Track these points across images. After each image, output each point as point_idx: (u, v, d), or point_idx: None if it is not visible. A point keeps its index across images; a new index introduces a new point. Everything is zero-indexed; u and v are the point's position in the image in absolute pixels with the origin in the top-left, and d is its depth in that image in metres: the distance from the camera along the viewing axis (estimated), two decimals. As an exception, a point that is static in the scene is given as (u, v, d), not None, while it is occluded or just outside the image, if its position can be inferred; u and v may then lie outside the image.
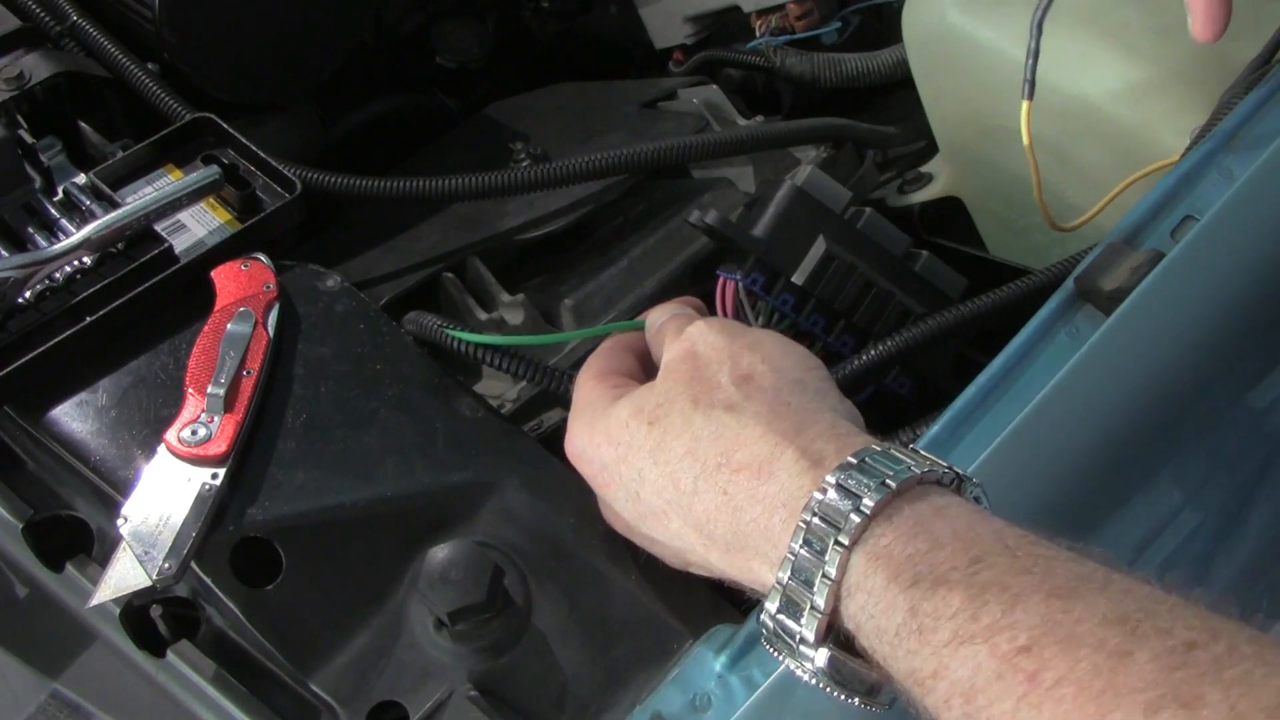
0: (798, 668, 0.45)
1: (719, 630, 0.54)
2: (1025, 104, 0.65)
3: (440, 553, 0.56)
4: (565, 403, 0.62)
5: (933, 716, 0.40)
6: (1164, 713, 0.34)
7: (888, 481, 0.43)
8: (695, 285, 0.78)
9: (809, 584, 0.44)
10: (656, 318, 0.62)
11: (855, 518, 0.43)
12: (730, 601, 0.58)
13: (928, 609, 0.40)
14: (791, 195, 0.69)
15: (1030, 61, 0.65)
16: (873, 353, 0.66)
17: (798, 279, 0.68)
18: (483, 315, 0.73)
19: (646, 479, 0.52)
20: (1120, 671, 0.35)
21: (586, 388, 0.58)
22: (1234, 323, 0.61)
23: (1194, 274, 0.59)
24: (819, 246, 0.68)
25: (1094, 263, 0.59)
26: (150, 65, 0.75)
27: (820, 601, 0.43)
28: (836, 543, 0.43)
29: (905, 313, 0.69)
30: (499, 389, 0.70)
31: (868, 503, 0.43)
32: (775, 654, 0.46)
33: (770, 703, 0.50)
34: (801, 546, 0.44)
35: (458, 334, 0.64)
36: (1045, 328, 0.59)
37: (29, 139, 0.68)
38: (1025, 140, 0.67)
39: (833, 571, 0.43)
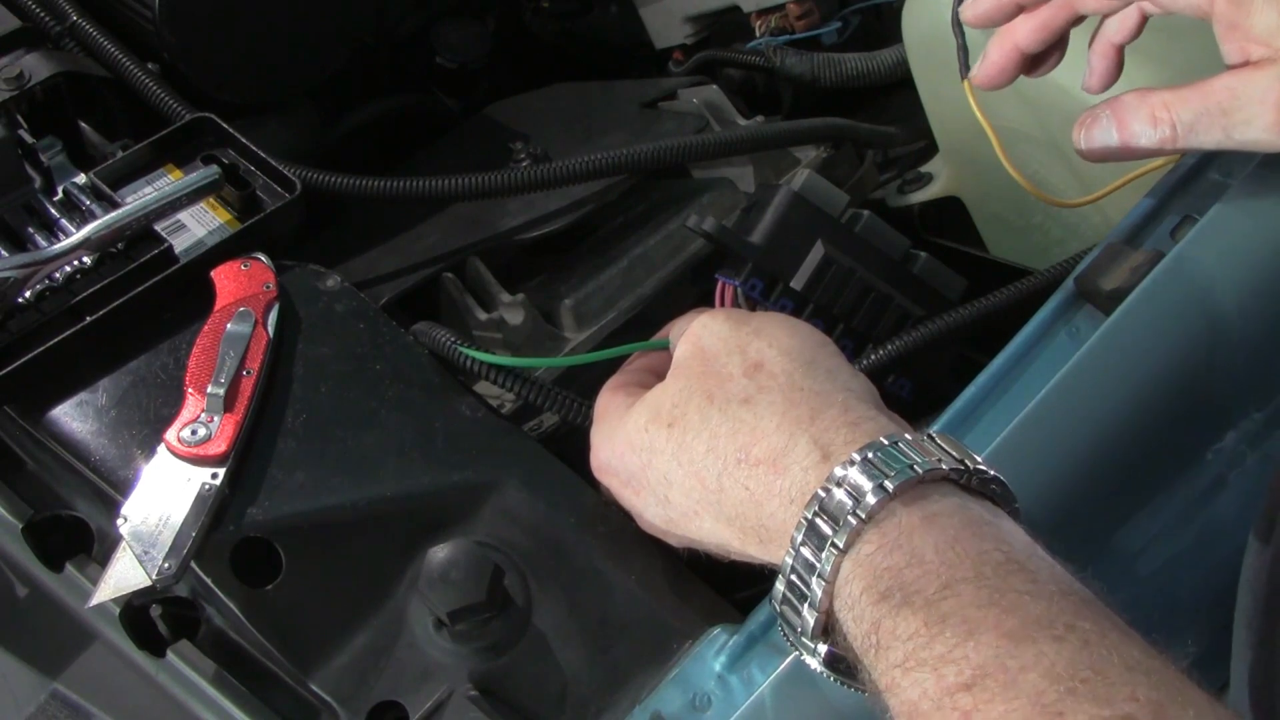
0: (804, 657, 0.46)
1: (719, 630, 0.54)
2: (965, 84, 0.67)
3: (440, 552, 0.56)
4: (583, 432, 0.60)
5: None
6: None
7: (885, 484, 0.43)
8: (695, 286, 0.78)
9: (808, 579, 0.44)
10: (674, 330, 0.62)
11: (852, 520, 0.43)
12: (730, 602, 0.58)
13: (888, 627, 0.41)
14: (788, 201, 0.69)
15: (962, 55, 0.68)
16: (872, 357, 0.66)
17: (796, 284, 0.68)
18: (482, 315, 0.73)
19: (674, 481, 0.52)
20: None
21: (603, 400, 0.59)
22: (1234, 322, 0.61)
23: (1194, 274, 0.59)
24: (817, 251, 0.68)
25: (1094, 263, 0.60)
26: (150, 65, 0.75)
27: (818, 597, 0.44)
28: (833, 544, 0.44)
29: (904, 315, 0.69)
30: (499, 389, 0.70)
31: (867, 503, 0.43)
32: (786, 640, 0.47)
33: (769, 703, 0.51)
34: (802, 545, 0.45)
35: (472, 353, 0.63)
36: (1045, 328, 0.59)
37: (29, 139, 0.68)
38: (978, 116, 0.68)
39: (828, 571, 0.44)
